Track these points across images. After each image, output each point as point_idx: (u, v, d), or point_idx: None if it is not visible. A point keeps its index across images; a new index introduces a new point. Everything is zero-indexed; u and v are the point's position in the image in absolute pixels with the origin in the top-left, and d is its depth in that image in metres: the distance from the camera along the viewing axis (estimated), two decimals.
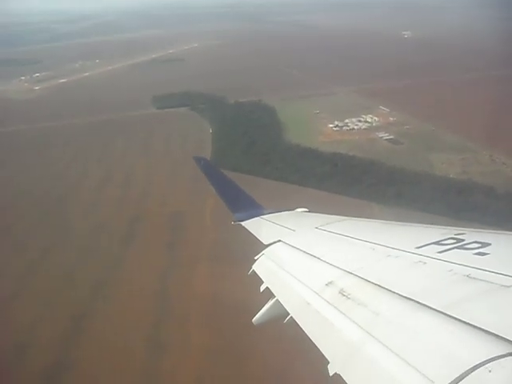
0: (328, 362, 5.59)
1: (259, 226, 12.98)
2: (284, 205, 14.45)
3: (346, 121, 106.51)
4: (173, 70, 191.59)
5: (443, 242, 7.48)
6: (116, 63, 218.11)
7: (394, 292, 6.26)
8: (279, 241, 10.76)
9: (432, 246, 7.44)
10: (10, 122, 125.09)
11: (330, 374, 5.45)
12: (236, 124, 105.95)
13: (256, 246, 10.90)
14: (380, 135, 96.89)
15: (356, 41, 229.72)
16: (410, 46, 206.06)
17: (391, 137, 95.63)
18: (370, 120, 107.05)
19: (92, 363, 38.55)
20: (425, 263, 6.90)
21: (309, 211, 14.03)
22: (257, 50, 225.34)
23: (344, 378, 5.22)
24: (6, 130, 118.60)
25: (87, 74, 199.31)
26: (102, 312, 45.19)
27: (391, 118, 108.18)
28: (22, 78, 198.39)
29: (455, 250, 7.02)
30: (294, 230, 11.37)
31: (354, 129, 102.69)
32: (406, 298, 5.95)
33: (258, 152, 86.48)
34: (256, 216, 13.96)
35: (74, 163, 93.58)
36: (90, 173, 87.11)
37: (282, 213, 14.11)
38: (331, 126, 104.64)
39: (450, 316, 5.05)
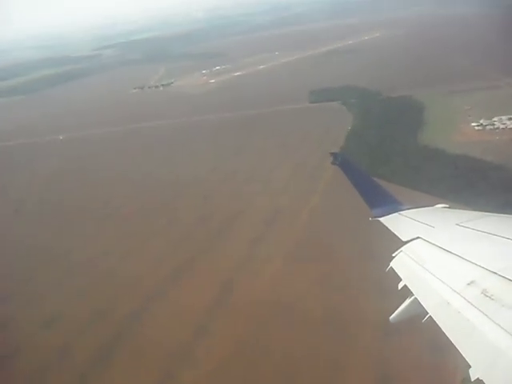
0: (469, 366, 5.49)
1: (397, 223, 12.85)
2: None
3: (494, 119, 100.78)
4: (343, 62, 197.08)
5: None
6: (293, 55, 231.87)
7: None
8: (418, 237, 10.70)
9: None
10: (170, 115, 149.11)
11: (472, 379, 5.32)
12: (377, 121, 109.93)
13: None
14: None
15: None
16: None
17: None
18: None
19: None
20: None
21: (448, 207, 14.03)
22: (439, 37, 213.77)
23: None
24: (161, 122, 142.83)
25: (262, 66, 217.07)
26: None
27: None
28: (204, 71, 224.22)
29: None
30: (433, 227, 11.17)
31: (498, 128, 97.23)
32: None
33: (382, 152, 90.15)
34: (394, 212, 13.91)
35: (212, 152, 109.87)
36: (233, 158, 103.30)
37: (421, 209, 13.98)
38: (474, 124, 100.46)
39: None
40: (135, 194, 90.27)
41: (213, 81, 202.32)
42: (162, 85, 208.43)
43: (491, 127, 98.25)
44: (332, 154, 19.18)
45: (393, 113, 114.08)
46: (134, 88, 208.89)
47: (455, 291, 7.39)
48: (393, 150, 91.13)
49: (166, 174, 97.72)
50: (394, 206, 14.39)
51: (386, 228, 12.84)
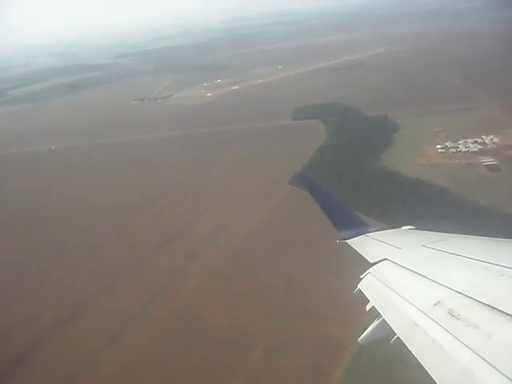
0: None
1: (364, 244, 12.99)
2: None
3: (460, 142, 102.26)
4: (339, 78, 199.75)
5: None
6: (294, 70, 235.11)
7: (508, 314, 6.01)
8: (385, 259, 10.79)
9: None
10: (155, 129, 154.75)
11: None
12: (346, 141, 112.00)
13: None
14: (482, 160, 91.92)
15: None
16: None
17: (494, 162, 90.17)
18: (487, 142, 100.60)
19: None
20: None
21: (415, 228, 14.34)
22: (440, 54, 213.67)
23: None
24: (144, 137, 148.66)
25: (261, 81, 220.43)
26: None
27: None
28: (205, 84, 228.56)
29: None
30: (400, 248, 11.33)
31: (460, 151, 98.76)
32: None
33: (337, 173, 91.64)
34: (361, 234, 14.14)
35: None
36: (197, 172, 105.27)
37: (388, 230, 14.29)
38: (439, 146, 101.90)
39: None
40: (101, 208, 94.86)
41: (209, 94, 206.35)
42: (161, 97, 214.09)
43: (454, 150, 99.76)
44: (299, 175, 18.33)
45: (365, 133, 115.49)
46: (135, 100, 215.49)
47: (422, 312, 7.54)
48: (349, 171, 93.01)
49: (128, 190, 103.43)
50: (361, 228, 14.70)
51: (354, 249, 13.14)
